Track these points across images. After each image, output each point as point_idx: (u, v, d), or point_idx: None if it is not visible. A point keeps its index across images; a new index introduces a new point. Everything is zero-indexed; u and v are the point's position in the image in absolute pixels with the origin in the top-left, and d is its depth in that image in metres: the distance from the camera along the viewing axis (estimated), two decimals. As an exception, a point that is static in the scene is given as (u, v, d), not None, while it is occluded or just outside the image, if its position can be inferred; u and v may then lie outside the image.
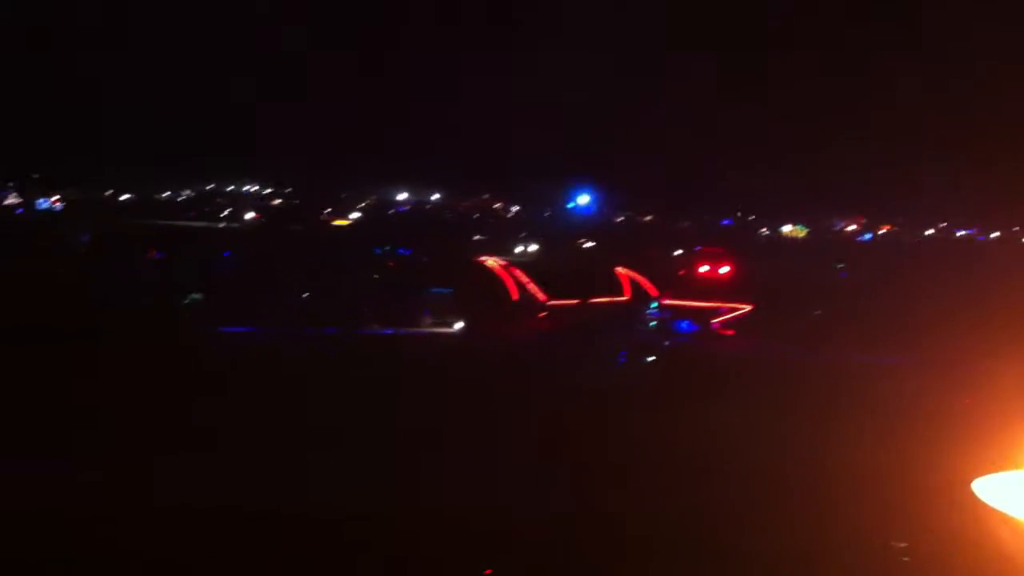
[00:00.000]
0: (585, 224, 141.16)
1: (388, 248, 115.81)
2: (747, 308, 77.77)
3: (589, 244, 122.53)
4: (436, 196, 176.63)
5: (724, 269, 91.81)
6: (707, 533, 27.95)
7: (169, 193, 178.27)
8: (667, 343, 70.35)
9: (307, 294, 76.55)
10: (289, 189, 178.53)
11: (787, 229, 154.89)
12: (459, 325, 71.11)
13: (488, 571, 25.80)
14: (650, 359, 63.36)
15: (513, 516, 29.02)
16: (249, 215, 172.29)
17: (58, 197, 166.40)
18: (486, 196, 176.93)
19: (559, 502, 30.62)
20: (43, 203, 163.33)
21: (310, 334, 63.32)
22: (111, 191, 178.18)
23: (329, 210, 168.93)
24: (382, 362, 56.05)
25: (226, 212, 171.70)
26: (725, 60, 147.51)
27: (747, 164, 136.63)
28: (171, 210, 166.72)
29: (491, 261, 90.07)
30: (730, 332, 76.22)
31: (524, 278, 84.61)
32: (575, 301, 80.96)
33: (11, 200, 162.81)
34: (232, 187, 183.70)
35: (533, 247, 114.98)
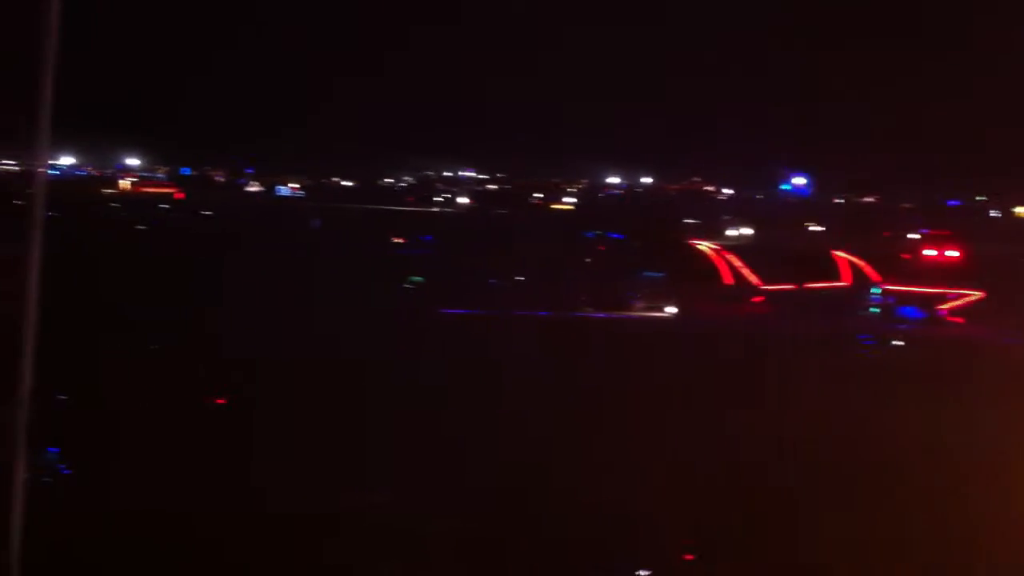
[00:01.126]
0: (801, 206, 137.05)
1: (600, 232, 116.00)
2: (977, 295, 73.82)
3: (816, 228, 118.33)
4: (647, 179, 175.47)
5: (951, 253, 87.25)
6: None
7: (391, 180, 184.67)
8: (901, 328, 67.57)
9: (521, 277, 77.89)
10: (502, 174, 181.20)
11: (1022, 211, 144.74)
12: (671, 310, 70.64)
13: (688, 555, 25.76)
14: (897, 343, 61.41)
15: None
16: (463, 200, 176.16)
17: (297, 185, 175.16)
18: (696, 179, 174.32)
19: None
20: (282, 190, 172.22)
21: (525, 316, 64.28)
22: (336, 178, 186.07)
23: (540, 195, 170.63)
24: (597, 345, 56.31)
25: (441, 198, 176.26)
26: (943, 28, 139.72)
27: (977, 139, 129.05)
28: (391, 196, 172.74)
29: (704, 245, 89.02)
30: (959, 320, 72.56)
31: (738, 262, 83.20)
32: (791, 286, 79.06)
33: (252, 188, 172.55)
34: (450, 173, 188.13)
35: (747, 230, 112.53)
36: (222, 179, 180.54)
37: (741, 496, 29.93)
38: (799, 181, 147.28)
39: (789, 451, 34.46)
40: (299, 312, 60.25)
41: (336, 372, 43.80)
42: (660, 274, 77.68)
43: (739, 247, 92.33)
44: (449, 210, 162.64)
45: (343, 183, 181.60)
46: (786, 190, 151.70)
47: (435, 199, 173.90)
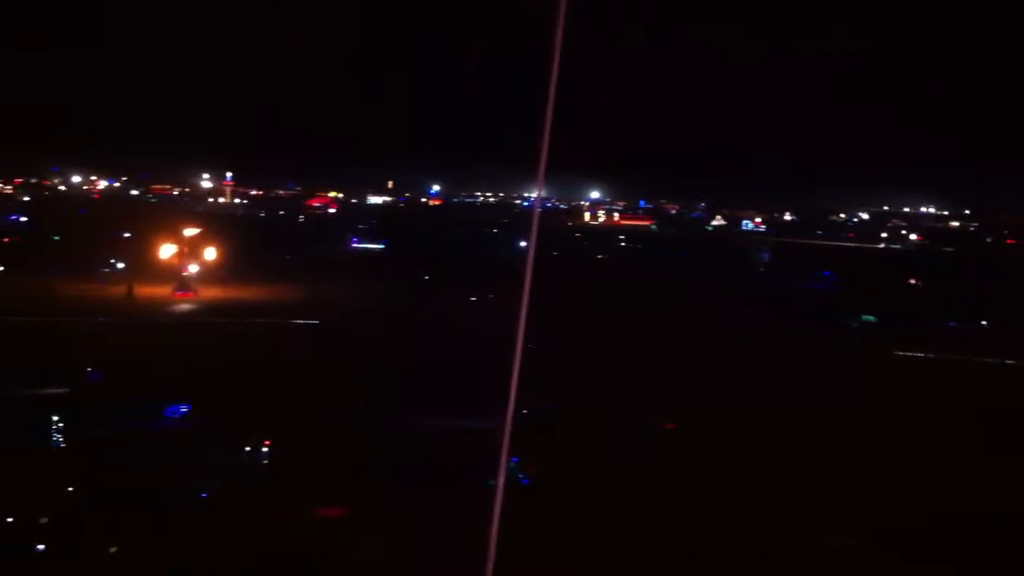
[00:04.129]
0: None
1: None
2: None
3: None
4: None
5: None
6: None
7: (843, 215, 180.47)
8: None
9: (984, 321, 72.83)
10: (967, 211, 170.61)
11: None
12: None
13: None
14: None
15: None
16: (912, 236, 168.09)
17: (759, 219, 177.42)
18: None
19: None
20: (746, 224, 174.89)
21: (983, 362, 59.51)
22: (787, 213, 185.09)
23: (1007, 232, 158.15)
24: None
25: (885, 234, 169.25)
26: None
27: None
28: (831, 230, 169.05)
29: None
30: None
31: None
32: None
33: (717, 221, 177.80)
34: (908, 209, 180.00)
35: None
36: (674, 211, 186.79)
37: None
38: None
39: None
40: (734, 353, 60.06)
41: (793, 419, 42.74)
42: None
43: None
44: (896, 247, 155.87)
45: (788, 218, 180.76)
46: None
47: (882, 235, 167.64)
